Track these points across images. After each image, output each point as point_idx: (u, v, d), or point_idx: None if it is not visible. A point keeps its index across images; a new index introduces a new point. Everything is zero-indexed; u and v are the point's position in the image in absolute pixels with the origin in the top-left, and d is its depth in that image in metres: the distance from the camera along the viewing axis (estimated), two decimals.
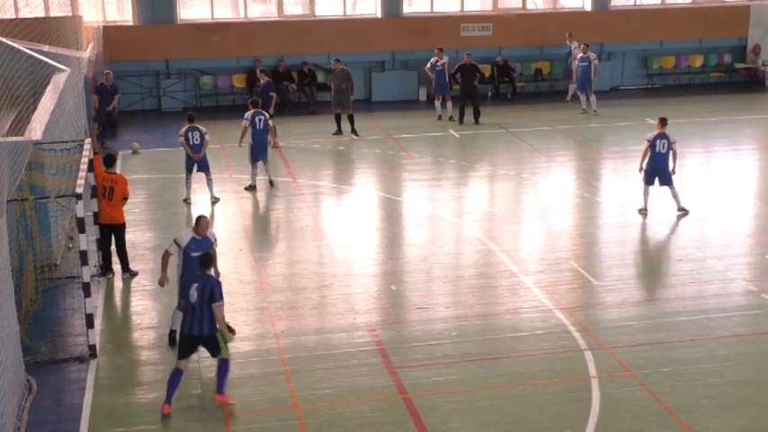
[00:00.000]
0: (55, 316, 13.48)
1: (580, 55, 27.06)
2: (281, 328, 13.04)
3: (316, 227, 17.43)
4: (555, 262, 15.47)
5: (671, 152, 17.38)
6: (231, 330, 12.12)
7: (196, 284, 10.66)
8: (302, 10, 29.70)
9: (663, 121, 17.58)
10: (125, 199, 14.98)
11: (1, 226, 10.33)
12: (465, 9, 30.02)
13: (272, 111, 22.64)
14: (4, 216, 10.45)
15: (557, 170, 21.57)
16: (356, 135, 24.33)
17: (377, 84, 29.29)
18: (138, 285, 14.77)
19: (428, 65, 26.55)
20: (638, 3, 31.80)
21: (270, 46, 28.09)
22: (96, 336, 12.33)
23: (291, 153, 22.93)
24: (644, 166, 17.57)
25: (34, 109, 11.70)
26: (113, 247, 15.03)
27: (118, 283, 14.85)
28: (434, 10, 29.94)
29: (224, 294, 10.83)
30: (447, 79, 26.38)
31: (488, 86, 29.37)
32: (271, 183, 19.89)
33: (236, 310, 13.43)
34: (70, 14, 21.18)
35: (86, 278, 12.06)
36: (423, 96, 29.17)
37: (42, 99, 12.38)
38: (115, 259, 15.06)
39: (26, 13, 17.02)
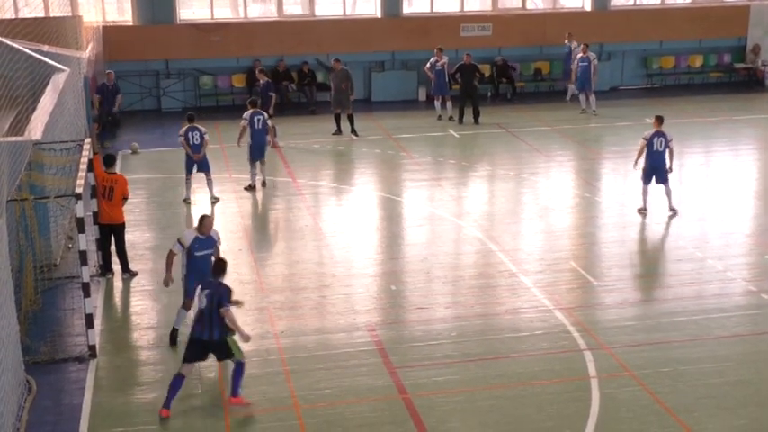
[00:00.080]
0: (54, 316, 13.47)
1: (580, 55, 27.07)
2: (280, 328, 13.04)
3: (315, 227, 17.43)
4: (554, 262, 15.47)
5: (668, 150, 17.41)
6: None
7: (207, 291, 10.67)
8: (302, 10, 29.70)
9: (659, 120, 17.61)
10: (125, 199, 14.98)
11: (1, 226, 10.34)
12: (465, 9, 30.02)
13: (271, 111, 22.64)
14: (3, 216, 10.45)
15: (556, 170, 21.57)
16: (356, 135, 24.32)
17: (376, 84, 29.29)
18: (138, 285, 14.77)
19: (428, 65, 26.55)
20: (637, 3, 31.80)
21: (269, 46, 28.08)
22: (96, 336, 12.33)
23: (291, 153, 22.93)
24: (639, 163, 17.61)
25: (34, 109, 11.70)
26: (113, 248, 15.03)
27: (117, 284, 14.85)
28: (434, 10, 29.93)
29: None
30: (447, 79, 26.39)
31: (488, 86, 29.38)
32: (263, 183, 19.88)
33: (236, 309, 13.40)
34: (70, 14, 21.18)
35: (86, 278, 12.06)
36: (422, 96, 29.17)
37: (42, 99, 12.38)
38: (115, 259, 15.06)
39: (26, 13, 17.02)
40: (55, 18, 18.55)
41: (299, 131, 25.10)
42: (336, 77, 24.28)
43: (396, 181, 20.80)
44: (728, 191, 19.55)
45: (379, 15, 29.18)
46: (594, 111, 26.93)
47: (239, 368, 10.81)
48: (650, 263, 15.96)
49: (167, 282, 12.40)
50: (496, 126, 25.75)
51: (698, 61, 31.54)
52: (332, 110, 24.70)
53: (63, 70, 14.30)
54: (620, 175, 20.96)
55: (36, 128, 10.74)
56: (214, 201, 18.89)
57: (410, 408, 10.89)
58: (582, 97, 27.24)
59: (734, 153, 23.09)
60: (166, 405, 10.69)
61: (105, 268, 15.02)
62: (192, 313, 11.71)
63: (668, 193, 17.62)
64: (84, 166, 13.13)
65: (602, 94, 28.46)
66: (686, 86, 31.12)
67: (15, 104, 11.39)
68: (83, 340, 12.28)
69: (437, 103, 26.62)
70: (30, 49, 13.36)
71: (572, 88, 28.31)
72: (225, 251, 12.78)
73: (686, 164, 21.47)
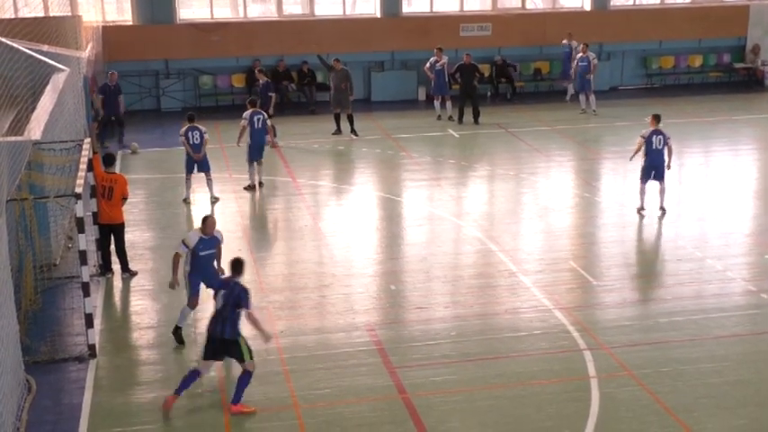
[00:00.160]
0: (54, 316, 13.47)
1: (579, 55, 27.08)
2: (280, 327, 13.03)
3: (315, 227, 17.43)
4: (554, 262, 15.47)
5: (667, 147, 17.43)
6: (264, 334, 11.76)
7: (223, 291, 10.68)
8: (302, 10, 29.70)
9: (656, 118, 17.64)
10: (124, 199, 14.98)
11: (0, 225, 10.34)
12: (464, 9, 30.03)
13: (271, 111, 22.64)
14: (3, 216, 10.45)
15: (556, 170, 21.58)
16: (356, 135, 24.32)
17: (376, 83, 29.29)
18: (138, 285, 14.78)
19: (427, 65, 26.55)
20: (637, 3, 31.81)
21: (269, 46, 28.09)
22: (96, 335, 12.33)
23: (291, 153, 22.93)
24: (634, 159, 17.68)
25: (33, 109, 11.69)
26: (113, 247, 15.03)
27: (117, 283, 14.85)
28: (434, 10, 29.94)
29: None
30: (446, 79, 26.39)
31: (488, 86, 29.38)
32: (260, 183, 19.87)
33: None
34: (69, 14, 21.17)
35: (86, 278, 12.07)
36: (422, 96, 29.18)
37: (41, 99, 12.38)
38: (114, 259, 15.07)
39: (25, 12, 17.03)
40: (54, 18, 18.54)
41: (299, 131, 25.10)
42: (336, 77, 24.29)
43: (395, 181, 20.80)
44: (728, 191, 19.55)
45: (378, 15, 29.19)
46: (594, 111, 26.94)
47: (246, 376, 10.77)
48: (650, 263, 15.97)
49: (173, 285, 12.39)
50: (496, 126, 25.75)
51: (697, 61, 31.56)
52: (331, 110, 24.71)
53: (63, 70, 14.30)
54: (620, 175, 20.95)
55: (36, 128, 10.74)
56: (214, 200, 18.90)
57: (409, 407, 10.89)
58: (582, 97, 27.24)
59: (733, 153, 23.09)
60: (177, 392, 10.68)
61: (105, 268, 15.02)
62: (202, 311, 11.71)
63: (662, 191, 17.64)
64: (83, 166, 13.13)
65: (601, 94, 28.46)
66: (686, 86, 31.14)
67: (15, 104, 11.39)
68: (82, 340, 12.28)
69: (437, 103, 26.62)
70: (29, 48, 13.35)
71: (572, 88, 28.33)
72: (225, 251, 12.77)
73: (686, 163, 21.47)
